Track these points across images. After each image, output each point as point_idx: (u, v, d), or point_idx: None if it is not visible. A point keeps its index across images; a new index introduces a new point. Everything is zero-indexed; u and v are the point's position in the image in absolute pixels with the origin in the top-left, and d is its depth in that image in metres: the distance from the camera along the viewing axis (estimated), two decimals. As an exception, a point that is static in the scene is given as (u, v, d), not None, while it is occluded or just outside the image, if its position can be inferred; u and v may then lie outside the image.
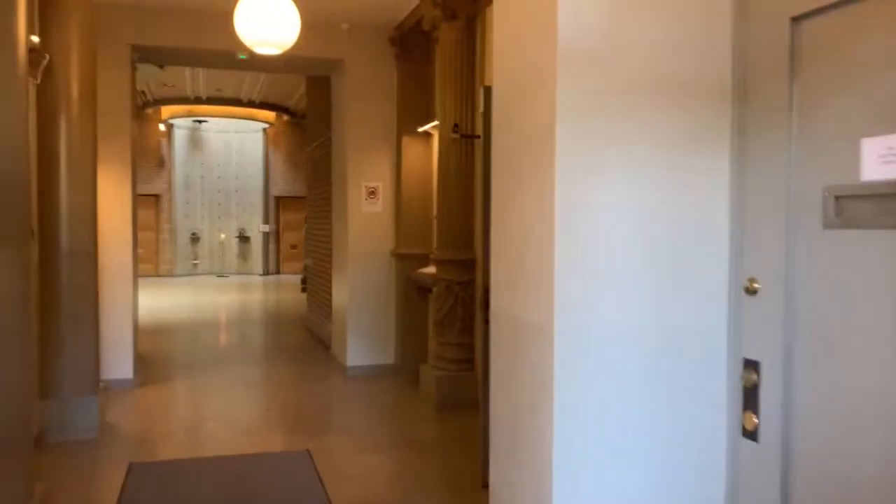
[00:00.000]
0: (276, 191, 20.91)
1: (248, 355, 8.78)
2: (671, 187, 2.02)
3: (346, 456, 4.95)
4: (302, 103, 18.35)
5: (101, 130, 6.26)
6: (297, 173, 20.62)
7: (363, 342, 7.29)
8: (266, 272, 20.54)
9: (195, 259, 20.40)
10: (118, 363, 6.56)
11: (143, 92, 16.97)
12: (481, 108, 4.26)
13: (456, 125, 5.78)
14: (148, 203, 19.69)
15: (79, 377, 5.13)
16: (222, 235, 20.51)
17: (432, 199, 7.12)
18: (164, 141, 19.90)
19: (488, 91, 4.32)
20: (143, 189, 19.50)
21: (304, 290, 11.80)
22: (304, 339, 9.70)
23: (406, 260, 7.11)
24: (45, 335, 5.01)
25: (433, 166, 7.09)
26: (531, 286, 2.08)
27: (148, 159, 19.71)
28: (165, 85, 16.59)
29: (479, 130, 5.81)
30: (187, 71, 15.11)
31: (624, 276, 1.97)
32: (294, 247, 20.73)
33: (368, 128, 7.26)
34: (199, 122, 19.81)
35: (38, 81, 4.82)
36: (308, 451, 4.90)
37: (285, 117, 19.88)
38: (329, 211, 8.55)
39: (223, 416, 5.97)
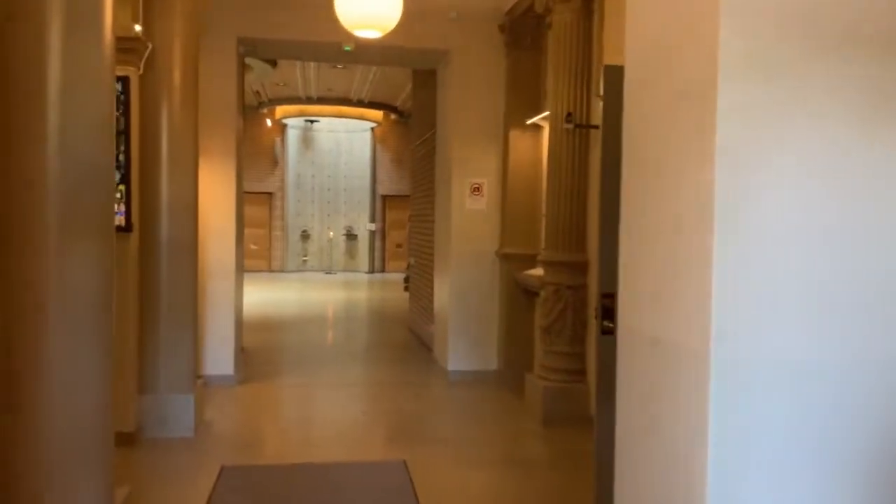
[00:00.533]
0: (382, 189, 21.03)
1: (350, 354, 8.63)
2: (876, 172, 1.50)
3: (445, 470, 4.59)
4: (409, 102, 18.33)
5: (207, 124, 6.22)
6: (403, 172, 20.66)
7: (465, 346, 6.93)
8: (372, 270, 20.67)
9: (305, 256, 20.80)
10: (219, 359, 6.51)
11: (257, 92, 17.43)
12: (601, 92, 3.78)
13: (569, 114, 5.30)
14: (262, 201, 20.26)
15: (175, 374, 5.03)
16: (331, 233, 20.82)
17: (541, 195, 6.67)
18: (277, 140, 20.42)
19: (611, 71, 3.84)
20: (258, 187, 20.10)
21: (406, 288, 11.61)
22: (407, 339, 9.47)
23: (511, 260, 6.70)
24: (144, 330, 4.94)
25: (542, 161, 6.64)
26: (679, 302, 1.61)
27: (262, 158, 20.29)
28: (278, 84, 16.95)
29: (596, 119, 5.32)
30: (299, 70, 15.34)
31: (807, 293, 1.47)
32: (399, 245, 20.77)
33: (474, 121, 6.90)
34: (311, 121, 20.19)
35: (141, 71, 4.75)
36: (404, 462, 4.58)
37: (392, 116, 19.94)
38: (432, 209, 8.26)
39: (320, 418, 5.77)
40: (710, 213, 1.48)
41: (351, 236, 20.94)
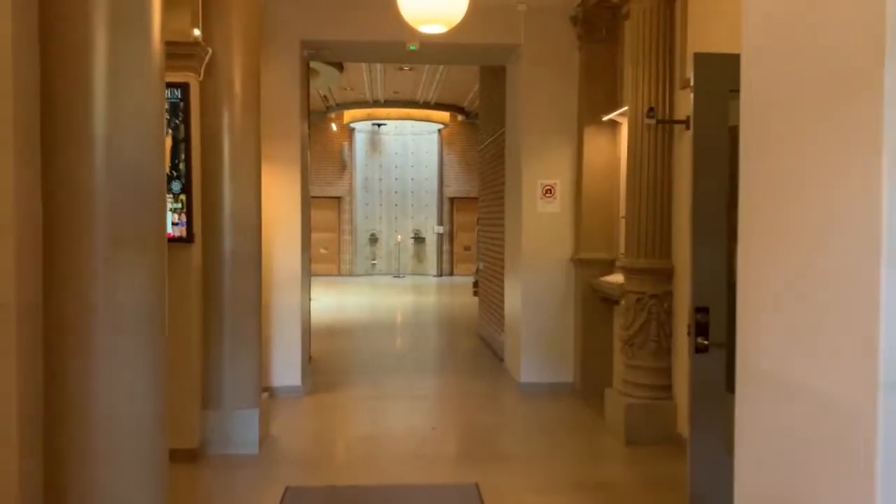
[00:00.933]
0: (449, 192, 20.84)
1: (419, 362, 8.39)
2: None
3: (519, 494, 4.27)
4: (476, 102, 18.07)
5: (270, 130, 6.09)
6: (471, 174, 20.44)
7: (539, 357, 6.58)
8: (440, 273, 20.50)
9: (373, 259, 20.79)
10: (286, 370, 6.36)
11: (325, 97, 17.49)
12: (691, 82, 3.39)
13: (651, 109, 4.90)
14: (331, 205, 20.37)
15: (240, 389, 4.88)
16: (398, 236, 20.74)
17: (619, 197, 6.27)
18: (345, 144, 20.48)
19: (704, 60, 3.45)
20: (327, 191, 20.22)
21: (475, 293, 11.32)
22: (476, 347, 9.17)
23: (587, 266, 6.31)
24: (207, 343, 4.81)
25: (620, 159, 6.24)
26: (824, 336, 1.26)
27: (331, 163, 20.40)
28: (346, 88, 16.97)
29: (680, 113, 4.91)
30: (365, 74, 15.30)
31: None
32: (467, 248, 20.53)
33: (546, 119, 6.55)
34: (378, 125, 20.18)
35: (201, 77, 4.62)
36: (476, 485, 4.29)
37: (459, 117, 19.74)
38: (501, 212, 7.94)
39: (389, 433, 5.52)
40: (877, 225, 1.13)
41: (419, 239, 20.82)
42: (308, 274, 7.59)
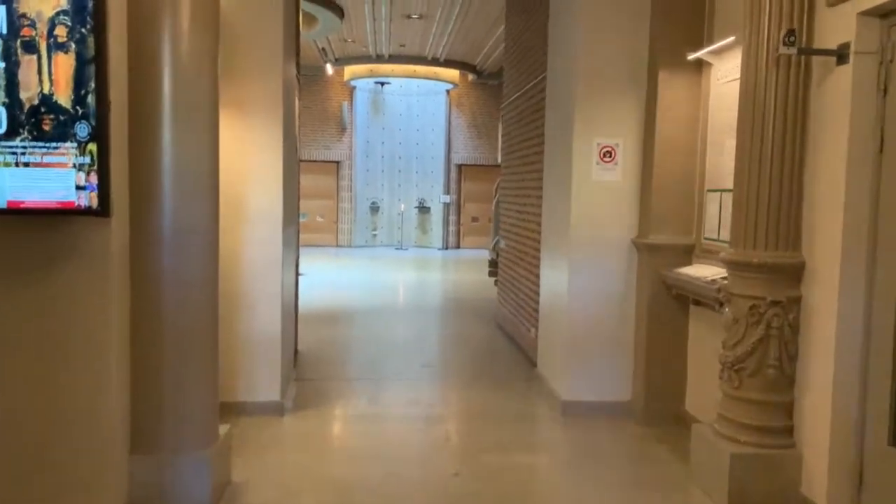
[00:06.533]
0: (457, 158, 19.29)
1: (429, 363, 6.92)
2: None
3: None
4: (489, 61, 16.42)
5: (240, 64, 4.58)
6: (482, 139, 18.95)
7: (588, 368, 5.10)
8: (445, 246, 19.05)
9: (374, 230, 19.30)
10: (261, 380, 4.89)
11: (323, 49, 15.84)
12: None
13: (791, 31, 3.35)
14: (329, 170, 18.81)
15: (186, 423, 3.42)
16: (402, 205, 19.22)
17: (702, 163, 4.76)
18: (345, 104, 18.83)
19: None
20: (324, 155, 18.63)
21: (491, 273, 9.80)
22: (496, 341, 7.71)
23: (656, 253, 4.82)
24: (138, 363, 3.33)
25: (705, 114, 4.71)
26: None
27: (329, 124, 18.79)
28: (346, 41, 15.33)
29: (827, 40, 3.34)
30: (369, 23, 13.65)
31: None
32: (475, 219, 19.06)
33: (606, 62, 4.98)
34: (381, 83, 18.52)
35: (124, -34, 3.07)
36: (528, 589, 2.85)
37: (470, 77, 18.12)
38: (535, 179, 6.44)
39: (395, 481, 4.05)
40: None
41: (423, 209, 19.31)
42: (295, 249, 6.12)
